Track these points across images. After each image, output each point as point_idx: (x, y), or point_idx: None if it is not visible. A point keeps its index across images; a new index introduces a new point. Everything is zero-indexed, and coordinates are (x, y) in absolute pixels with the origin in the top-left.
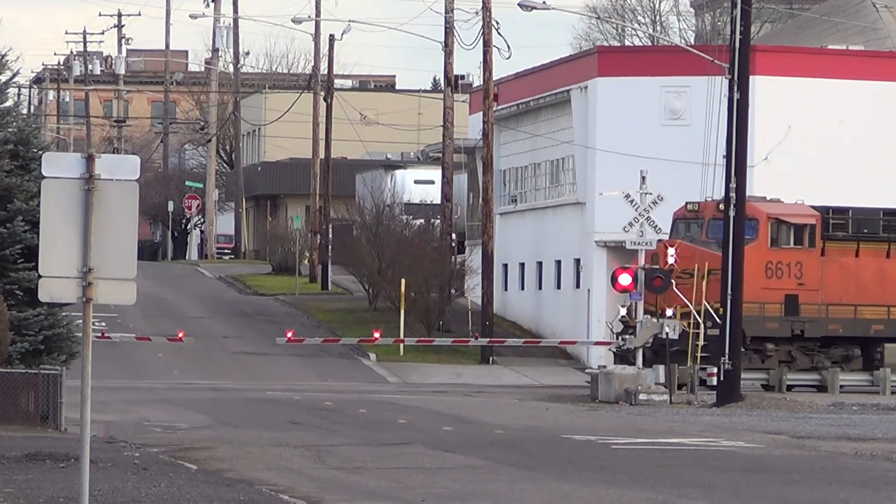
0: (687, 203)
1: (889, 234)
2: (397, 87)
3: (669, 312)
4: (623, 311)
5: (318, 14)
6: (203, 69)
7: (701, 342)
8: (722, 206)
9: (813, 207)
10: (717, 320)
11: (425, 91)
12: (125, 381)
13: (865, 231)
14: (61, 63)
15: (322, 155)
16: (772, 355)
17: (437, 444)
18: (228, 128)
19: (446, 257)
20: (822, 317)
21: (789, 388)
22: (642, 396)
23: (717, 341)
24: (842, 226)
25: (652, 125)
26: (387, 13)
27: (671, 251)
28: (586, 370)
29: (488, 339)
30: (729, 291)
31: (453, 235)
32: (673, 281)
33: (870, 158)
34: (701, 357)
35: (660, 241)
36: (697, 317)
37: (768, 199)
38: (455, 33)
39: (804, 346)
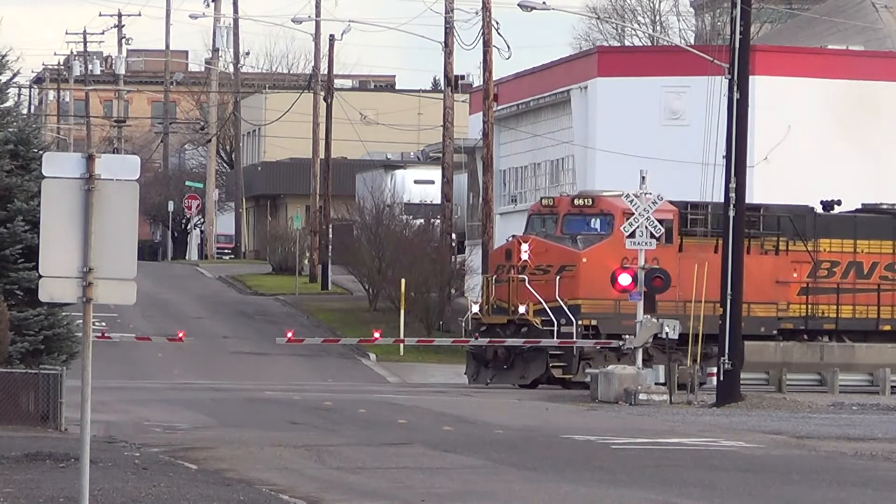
0: (542, 198)
1: (749, 230)
2: (397, 87)
3: (522, 309)
4: (475, 309)
5: (318, 14)
6: (203, 69)
7: (555, 339)
8: (576, 201)
9: (670, 202)
10: (571, 317)
11: (425, 91)
12: (125, 381)
13: None
14: (61, 63)
15: (322, 155)
16: (628, 353)
17: (437, 444)
18: (228, 128)
19: (446, 257)
20: (681, 314)
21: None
22: (642, 396)
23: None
24: (700, 221)
25: (652, 125)
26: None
27: (524, 247)
28: (586, 370)
29: (488, 340)
30: (729, 291)
31: (453, 235)
32: (525, 277)
33: (869, 158)
34: (557, 355)
35: (513, 236)
36: (551, 314)
37: (624, 193)
38: (455, 33)
39: (661, 345)
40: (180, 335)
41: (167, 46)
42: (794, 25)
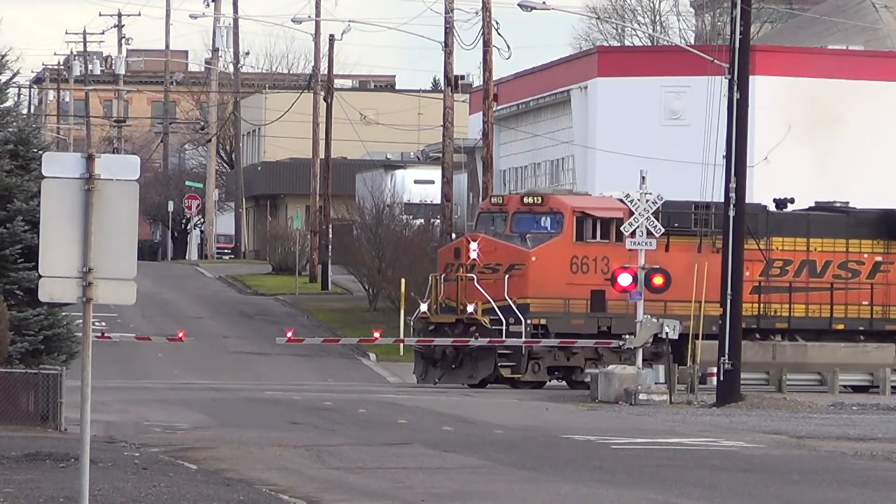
0: (491, 196)
1: (701, 228)
2: (397, 87)
3: (470, 308)
4: (423, 308)
5: (318, 14)
6: (203, 69)
7: (504, 339)
8: (525, 200)
9: (621, 200)
10: (520, 316)
11: (425, 91)
12: (125, 381)
13: (676, 225)
14: (61, 63)
15: (322, 155)
16: (577, 353)
17: (437, 444)
18: (228, 128)
19: None
20: (631, 312)
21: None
22: (642, 396)
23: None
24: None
25: (652, 125)
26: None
27: (473, 245)
28: (586, 370)
29: (488, 340)
30: (729, 291)
31: (453, 235)
32: (474, 276)
33: (869, 158)
34: (506, 355)
35: (463, 234)
36: (499, 313)
37: (574, 191)
38: (455, 33)
39: (611, 344)
40: (180, 335)
41: (167, 46)
42: (794, 25)
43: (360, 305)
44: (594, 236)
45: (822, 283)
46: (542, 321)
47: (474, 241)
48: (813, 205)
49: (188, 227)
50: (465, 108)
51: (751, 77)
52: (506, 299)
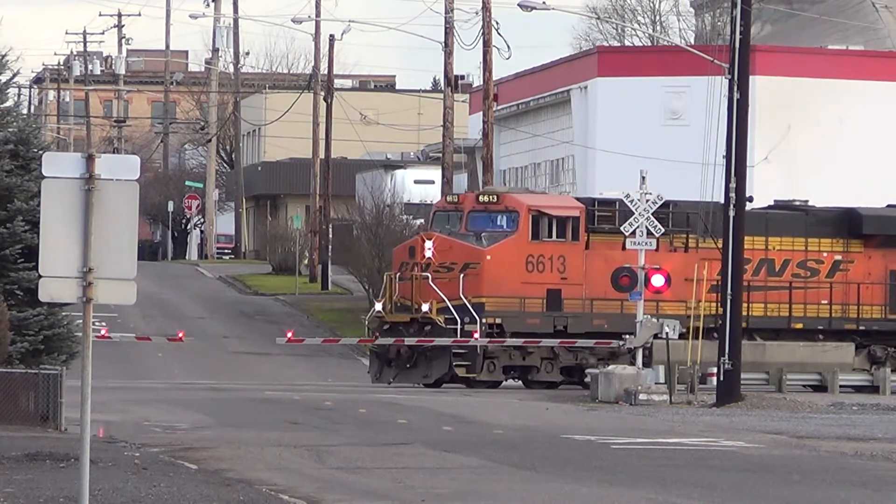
0: (446, 195)
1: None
2: (397, 87)
3: (425, 307)
4: (378, 307)
5: (318, 14)
6: (203, 69)
7: (459, 337)
8: (481, 198)
9: (577, 199)
10: (475, 315)
11: (425, 91)
12: (125, 381)
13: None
14: (61, 63)
15: (322, 155)
16: (533, 352)
17: (437, 444)
18: (228, 128)
19: None
20: (587, 312)
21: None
22: (642, 396)
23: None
24: (608, 218)
25: (652, 125)
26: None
27: (428, 244)
28: (586, 370)
29: (488, 340)
30: (729, 291)
31: None
32: (429, 275)
33: (870, 158)
34: (461, 354)
35: (418, 233)
36: (454, 312)
37: (531, 190)
38: (455, 33)
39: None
40: (180, 335)
41: (167, 46)
42: (794, 25)
43: (360, 305)
44: (550, 235)
45: (780, 281)
46: (498, 320)
47: (429, 239)
48: (772, 203)
49: (188, 227)
50: (465, 108)
51: (751, 77)
52: (461, 298)
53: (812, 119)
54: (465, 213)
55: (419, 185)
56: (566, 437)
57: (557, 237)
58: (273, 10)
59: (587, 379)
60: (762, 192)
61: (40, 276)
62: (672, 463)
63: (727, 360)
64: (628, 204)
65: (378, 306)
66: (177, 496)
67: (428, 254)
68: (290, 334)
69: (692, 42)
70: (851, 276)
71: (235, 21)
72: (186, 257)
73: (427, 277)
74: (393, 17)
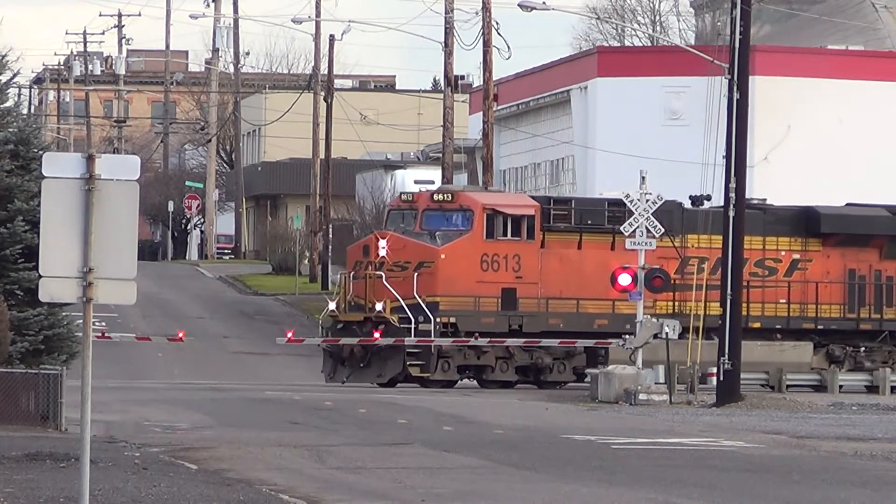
0: (401, 193)
1: (614, 225)
2: (397, 87)
3: (379, 306)
4: (332, 306)
5: (318, 14)
6: (203, 69)
7: (413, 338)
8: (435, 197)
9: (533, 198)
10: (429, 314)
11: (425, 91)
12: (125, 381)
13: (589, 222)
14: (61, 63)
15: (322, 155)
16: (488, 351)
17: (437, 444)
18: (228, 128)
19: None
20: (542, 311)
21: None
22: (642, 396)
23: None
24: (564, 217)
25: (652, 125)
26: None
27: (382, 243)
28: (586, 370)
29: (488, 340)
30: (729, 291)
31: None
32: (383, 274)
33: (870, 158)
34: (415, 354)
35: (372, 232)
36: (408, 311)
37: (488, 188)
38: (455, 33)
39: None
40: (180, 335)
41: (167, 46)
42: (794, 25)
43: None
44: (505, 234)
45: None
46: (452, 319)
47: (383, 238)
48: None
49: (188, 227)
50: (465, 108)
51: (751, 77)
52: (415, 297)
53: (812, 119)
54: (419, 212)
55: (419, 185)
56: (566, 437)
57: (512, 236)
58: (273, 10)
59: (544, 378)
60: (762, 192)
61: (40, 276)
62: (672, 463)
63: (727, 360)
64: (628, 204)
65: (332, 305)
66: (177, 496)
67: (382, 252)
68: (290, 334)
69: (692, 42)
70: (810, 275)
71: (235, 21)
72: (186, 257)
73: (381, 276)
74: (393, 17)
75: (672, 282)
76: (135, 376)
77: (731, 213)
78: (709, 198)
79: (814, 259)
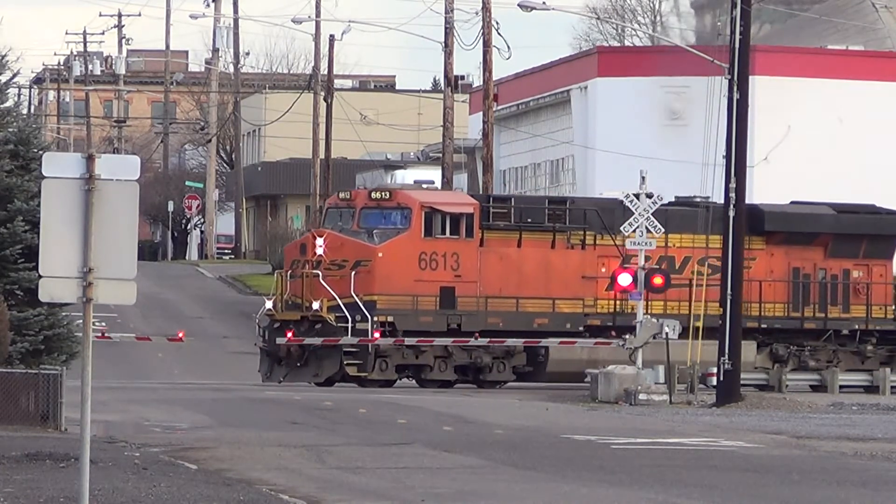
0: (339, 191)
1: (555, 223)
2: (397, 87)
3: (316, 305)
4: (269, 305)
5: (318, 14)
6: (203, 69)
7: (350, 337)
8: (373, 195)
9: (472, 196)
10: (367, 313)
11: (425, 91)
12: (125, 381)
13: (529, 220)
14: (61, 63)
15: (322, 155)
16: (426, 350)
17: (437, 444)
18: (228, 128)
19: None
20: (481, 310)
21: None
22: (642, 396)
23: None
24: (503, 215)
25: (652, 125)
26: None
27: (319, 241)
28: (586, 370)
29: (488, 340)
30: (729, 291)
31: None
32: (320, 272)
33: (870, 158)
34: (352, 353)
35: (308, 230)
36: (345, 310)
37: (424, 186)
38: (455, 33)
39: (460, 343)
40: (180, 335)
41: (167, 46)
42: (794, 25)
43: None
44: (443, 232)
45: (681, 279)
46: (390, 318)
47: (320, 236)
48: (673, 199)
49: (188, 227)
50: (465, 108)
51: (751, 77)
52: (352, 296)
53: (812, 119)
54: (357, 210)
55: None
56: (566, 437)
57: (451, 234)
58: (273, 10)
59: (483, 377)
60: (762, 192)
61: (40, 276)
62: (672, 463)
63: (727, 360)
64: (628, 204)
65: (268, 304)
66: (177, 496)
67: (319, 251)
68: (289, 334)
69: (692, 42)
70: (753, 273)
71: (235, 21)
72: (186, 257)
73: (318, 275)
74: (393, 17)
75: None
76: (135, 376)
77: (731, 213)
78: (650, 195)
79: (757, 257)
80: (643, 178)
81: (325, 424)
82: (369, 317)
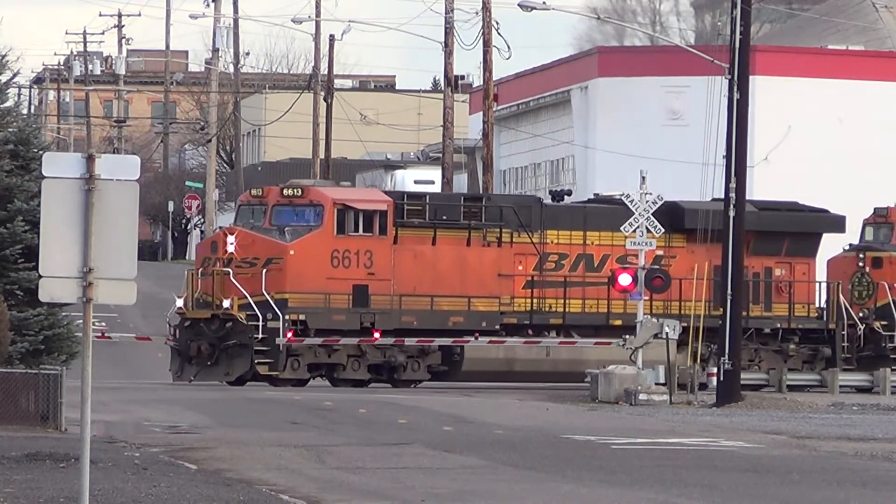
0: (251, 188)
1: (470, 221)
2: (397, 87)
3: (226, 303)
4: (179, 303)
5: (318, 14)
6: (203, 69)
7: (260, 334)
8: (285, 191)
9: (386, 193)
10: (277, 311)
11: (425, 91)
12: (125, 381)
13: (444, 218)
14: (61, 63)
15: (322, 155)
16: (339, 349)
17: (437, 444)
18: (228, 128)
19: None
20: (395, 308)
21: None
22: (642, 396)
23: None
24: (418, 212)
25: (652, 125)
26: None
27: (231, 238)
28: (585, 370)
29: (488, 340)
30: (729, 291)
31: None
32: (230, 270)
33: (870, 158)
34: (263, 352)
35: (220, 228)
36: (255, 308)
37: (340, 184)
38: (455, 33)
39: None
40: None
41: (167, 46)
42: (794, 25)
43: None
44: (356, 229)
45: (599, 277)
46: (302, 317)
47: (232, 234)
48: (591, 196)
49: (188, 227)
50: (465, 108)
51: (751, 77)
52: (263, 294)
53: (812, 119)
54: (269, 207)
55: (419, 186)
56: (566, 437)
57: (364, 231)
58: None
59: (398, 377)
60: (762, 192)
61: (40, 276)
62: (672, 463)
63: (727, 360)
64: (628, 204)
65: (179, 302)
66: (177, 496)
67: (230, 248)
68: (289, 334)
69: (692, 42)
70: (674, 271)
71: (235, 21)
72: (186, 257)
73: (228, 273)
74: (393, 17)
75: (531, 279)
76: (135, 376)
77: (732, 213)
78: (569, 192)
79: (678, 255)
80: (643, 178)
81: (325, 424)
82: (280, 315)
